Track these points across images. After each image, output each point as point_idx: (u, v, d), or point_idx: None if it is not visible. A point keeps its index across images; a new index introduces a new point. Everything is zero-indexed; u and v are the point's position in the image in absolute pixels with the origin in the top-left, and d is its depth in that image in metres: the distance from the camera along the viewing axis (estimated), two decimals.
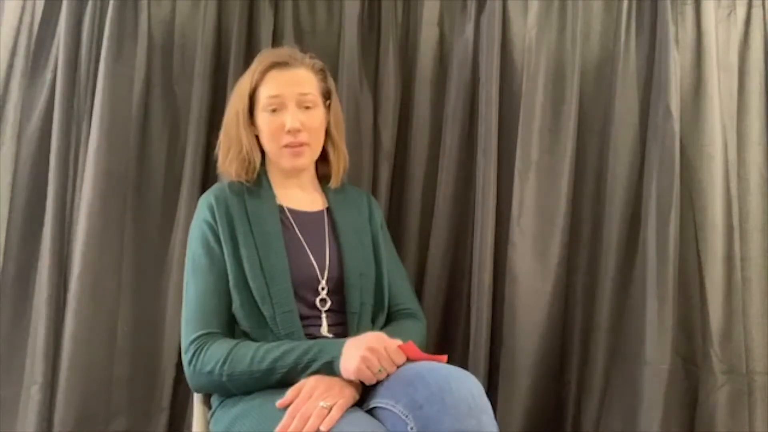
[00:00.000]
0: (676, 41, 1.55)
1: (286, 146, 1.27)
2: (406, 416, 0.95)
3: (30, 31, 1.64)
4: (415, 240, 1.64)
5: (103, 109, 1.56)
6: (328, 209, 1.35)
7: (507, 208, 1.58)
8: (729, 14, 1.62)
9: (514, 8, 1.63)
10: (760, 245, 1.56)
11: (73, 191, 1.59)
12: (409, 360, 1.06)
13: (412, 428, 0.94)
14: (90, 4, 1.62)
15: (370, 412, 1.04)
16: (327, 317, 1.23)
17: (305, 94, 1.28)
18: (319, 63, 1.35)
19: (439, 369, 1.00)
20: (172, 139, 1.65)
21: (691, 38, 1.59)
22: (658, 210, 1.51)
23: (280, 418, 1.01)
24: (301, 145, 1.28)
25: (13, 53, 1.63)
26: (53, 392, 1.51)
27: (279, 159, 1.30)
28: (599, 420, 1.54)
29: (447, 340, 1.63)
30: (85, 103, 1.60)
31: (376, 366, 1.03)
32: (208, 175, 1.61)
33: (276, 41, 1.64)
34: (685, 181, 1.54)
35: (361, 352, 1.03)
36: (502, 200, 1.58)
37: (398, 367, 1.04)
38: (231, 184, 1.30)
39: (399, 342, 1.06)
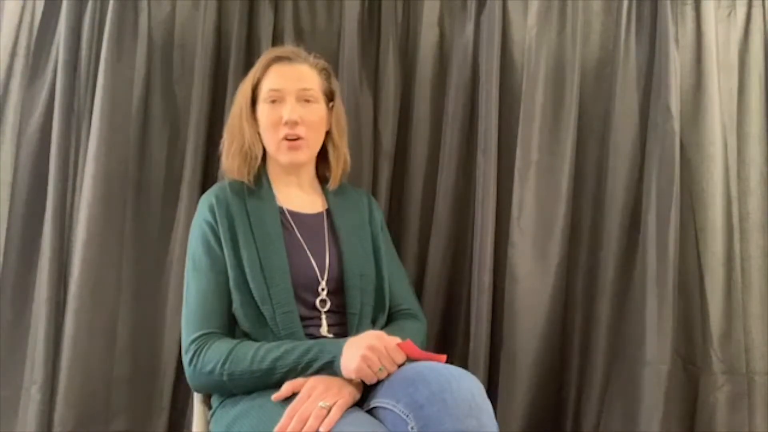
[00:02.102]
0: (676, 41, 1.55)
1: (284, 139, 1.27)
2: (407, 416, 0.95)
3: (30, 31, 1.64)
4: (415, 240, 1.63)
5: (103, 109, 1.56)
6: (327, 211, 1.35)
7: (507, 207, 1.58)
8: (729, 14, 1.62)
9: (514, 8, 1.63)
10: (760, 245, 1.56)
11: (73, 191, 1.59)
12: (408, 359, 1.06)
13: (412, 428, 0.94)
14: (90, 4, 1.61)
15: (371, 411, 1.03)
16: (327, 318, 1.23)
17: (306, 89, 1.28)
18: (323, 63, 1.35)
19: (439, 369, 1.00)
20: (172, 139, 1.65)
21: (691, 38, 1.59)
22: (658, 210, 1.52)
23: (280, 418, 1.00)
24: (298, 138, 1.28)
25: (13, 53, 1.63)
26: (53, 392, 1.50)
27: (277, 153, 1.30)
28: (599, 420, 1.54)
29: (447, 340, 1.62)
30: (85, 103, 1.60)
31: (376, 365, 1.03)
32: (208, 175, 1.60)
33: (276, 41, 1.64)
34: (685, 181, 1.54)
35: (361, 351, 1.03)
36: (502, 200, 1.58)
37: (399, 366, 1.04)
38: (232, 185, 1.30)
39: (398, 340, 1.06)
